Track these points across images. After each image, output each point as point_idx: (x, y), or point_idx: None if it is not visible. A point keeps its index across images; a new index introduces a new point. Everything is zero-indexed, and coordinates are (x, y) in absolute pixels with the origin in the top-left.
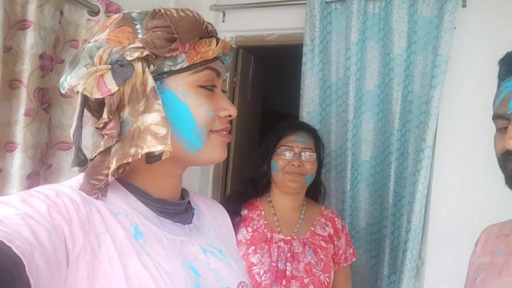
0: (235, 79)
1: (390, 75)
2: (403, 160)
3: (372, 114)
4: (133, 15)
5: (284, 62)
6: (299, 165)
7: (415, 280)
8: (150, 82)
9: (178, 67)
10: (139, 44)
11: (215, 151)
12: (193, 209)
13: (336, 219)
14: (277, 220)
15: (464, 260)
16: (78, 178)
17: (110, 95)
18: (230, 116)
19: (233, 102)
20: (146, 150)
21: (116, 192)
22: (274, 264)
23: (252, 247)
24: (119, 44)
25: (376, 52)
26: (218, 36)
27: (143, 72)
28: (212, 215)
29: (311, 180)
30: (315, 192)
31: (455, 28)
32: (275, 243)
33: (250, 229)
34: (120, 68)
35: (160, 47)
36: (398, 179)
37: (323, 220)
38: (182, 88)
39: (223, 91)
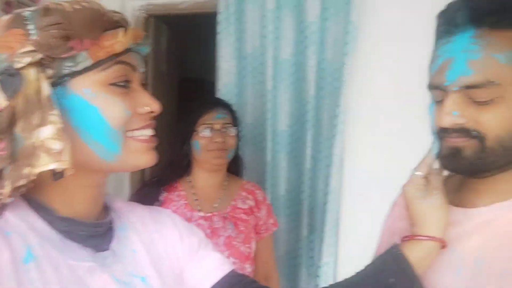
0: None
1: (305, 42)
2: (319, 126)
3: (288, 84)
4: (25, 14)
5: (200, 29)
6: (223, 141)
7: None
8: (45, 90)
9: (80, 66)
10: (30, 48)
11: (135, 155)
12: (114, 231)
13: (257, 191)
14: (196, 199)
15: (378, 220)
16: None
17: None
18: (152, 112)
19: (146, 75)
20: (37, 170)
21: (15, 209)
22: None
23: None
24: (9, 50)
25: (291, 20)
26: (127, 20)
27: (38, 79)
28: (149, 231)
29: (233, 155)
30: (235, 166)
31: None
32: (194, 221)
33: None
34: (9, 78)
35: (54, 47)
36: (314, 144)
37: (244, 193)
38: (91, 89)
39: (144, 84)
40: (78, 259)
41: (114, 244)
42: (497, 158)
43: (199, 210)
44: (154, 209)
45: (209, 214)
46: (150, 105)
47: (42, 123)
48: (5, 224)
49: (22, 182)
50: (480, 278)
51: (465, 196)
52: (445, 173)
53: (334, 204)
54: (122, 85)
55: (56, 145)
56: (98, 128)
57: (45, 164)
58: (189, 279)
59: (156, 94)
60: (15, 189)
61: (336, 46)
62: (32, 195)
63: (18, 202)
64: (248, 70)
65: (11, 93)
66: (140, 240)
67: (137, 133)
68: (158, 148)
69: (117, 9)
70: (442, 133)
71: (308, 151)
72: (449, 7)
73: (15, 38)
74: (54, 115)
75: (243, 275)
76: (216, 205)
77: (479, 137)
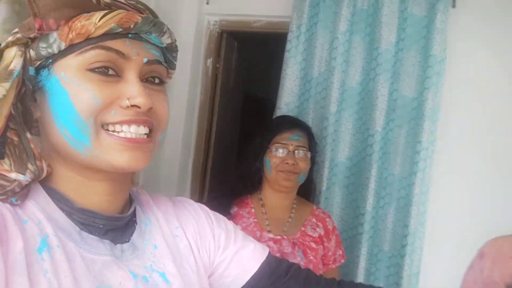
0: (218, 65)
1: (376, 70)
2: (385, 160)
3: (352, 112)
4: None
5: (267, 49)
6: (293, 164)
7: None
8: (12, 65)
9: (55, 49)
10: (16, 29)
11: (110, 152)
12: (136, 224)
13: (327, 219)
14: (267, 219)
15: (462, 266)
16: None
17: None
18: (137, 107)
19: (215, 88)
20: None
21: (35, 197)
22: None
23: None
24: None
25: (361, 48)
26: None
27: (14, 56)
28: (172, 228)
29: (304, 179)
30: (306, 190)
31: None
32: (264, 242)
33: (239, 227)
34: None
35: (25, 27)
36: (381, 180)
37: (314, 220)
38: (65, 73)
39: (160, 81)
40: (95, 252)
41: (135, 238)
42: None
43: (269, 231)
44: (178, 204)
45: (278, 237)
46: (135, 98)
47: None
48: (23, 212)
49: None
50: None
51: None
52: None
53: (414, 247)
54: (101, 72)
55: None
56: (66, 114)
57: None
58: (225, 275)
59: (223, 109)
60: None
61: (411, 78)
62: (52, 185)
63: (38, 191)
64: (312, 93)
65: None
66: (163, 236)
67: (117, 127)
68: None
69: (194, 23)
70: None
71: (371, 188)
72: None
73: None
74: (2, 87)
75: (280, 259)
76: (286, 228)
77: None
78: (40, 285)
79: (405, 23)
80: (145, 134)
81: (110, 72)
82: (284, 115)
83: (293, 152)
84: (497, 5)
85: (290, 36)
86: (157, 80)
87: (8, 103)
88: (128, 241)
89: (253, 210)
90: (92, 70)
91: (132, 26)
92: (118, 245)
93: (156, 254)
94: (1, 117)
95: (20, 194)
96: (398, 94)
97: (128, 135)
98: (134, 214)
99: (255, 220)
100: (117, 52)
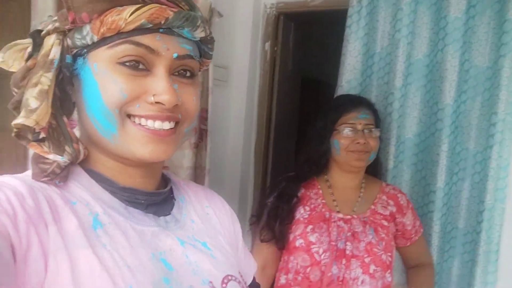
0: (275, 48)
1: (445, 40)
2: (458, 134)
3: (419, 86)
4: None
5: (324, 28)
6: (365, 143)
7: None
8: (52, 53)
9: (88, 40)
10: (56, 18)
11: (134, 143)
12: (174, 200)
13: (399, 195)
14: (335, 200)
15: None
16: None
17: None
18: (161, 103)
19: (273, 73)
20: (13, 123)
21: (78, 180)
22: (333, 243)
23: (310, 226)
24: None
25: (428, 18)
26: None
27: (53, 45)
28: (203, 206)
29: (374, 157)
30: (374, 168)
31: None
32: (334, 222)
33: (307, 208)
34: (35, 43)
35: (62, 18)
36: (453, 155)
37: (384, 197)
38: (97, 64)
39: (189, 71)
40: (143, 224)
41: (175, 211)
42: None
43: (338, 212)
44: (207, 189)
45: (348, 217)
46: (160, 95)
47: (38, 82)
48: (70, 194)
49: (14, 133)
50: None
51: None
52: None
53: (491, 223)
54: (131, 66)
55: (33, 103)
56: (95, 104)
57: (18, 118)
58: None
59: (282, 93)
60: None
61: (487, 46)
62: (91, 167)
63: (80, 174)
64: (374, 69)
65: (29, 54)
66: (196, 213)
67: (142, 120)
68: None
69: (250, 7)
70: None
71: (442, 165)
72: None
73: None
74: (46, 77)
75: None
76: (355, 208)
77: None
78: (103, 256)
79: None
80: (170, 128)
81: (140, 66)
82: (346, 94)
83: (362, 131)
84: None
85: (350, 12)
86: (188, 74)
87: (52, 91)
88: (169, 214)
89: (320, 191)
90: (122, 63)
91: (163, 22)
92: (162, 217)
93: (194, 227)
94: (48, 105)
95: (60, 175)
96: (470, 64)
97: (151, 128)
98: (171, 191)
99: (323, 201)
100: (147, 47)
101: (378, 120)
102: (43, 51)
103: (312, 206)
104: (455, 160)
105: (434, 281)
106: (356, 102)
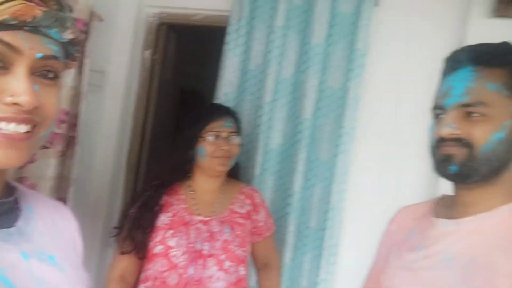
0: (155, 57)
1: (308, 63)
2: (314, 145)
3: (285, 102)
4: None
5: (206, 42)
6: (228, 149)
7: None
8: None
9: None
10: None
11: None
12: (20, 210)
13: (255, 194)
14: (196, 203)
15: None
16: None
17: None
18: (19, 105)
19: (151, 80)
20: None
21: None
22: (191, 245)
23: (171, 231)
24: None
25: (295, 42)
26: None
27: None
28: (52, 218)
29: (235, 162)
30: (234, 171)
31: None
32: (193, 225)
33: (169, 214)
34: None
35: None
36: (308, 164)
37: (242, 197)
38: None
39: (54, 76)
40: None
41: (20, 223)
42: (480, 166)
43: (198, 214)
44: (56, 201)
45: (208, 218)
46: (19, 96)
47: None
48: None
49: None
50: (468, 274)
51: (456, 210)
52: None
53: (334, 221)
54: None
55: None
56: None
57: None
58: None
59: (159, 102)
60: None
61: (339, 71)
62: None
63: None
64: (248, 85)
65: None
66: (45, 225)
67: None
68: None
69: (133, 14)
70: (439, 142)
71: (299, 171)
72: (455, 52)
73: None
74: None
75: None
76: (214, 209)
77: (469, 146)
78: None
79: (334, 20)
80: (26, 132)
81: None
82: (211, 104)
83: (226, 138)
84: (418, 5)
85: (229, 29)
86: (51, 75)
87: None
88: (13, 226)
89: (183, 197)
90: None
91: (29, 20)
92: (5, 230)
93: (42, 240)
94: None
95: None
96: (326, 85)
97: (5, 132)
98: (16, 201)
99: (185, 206)
100: (7, 44)
101: (239, 128)
102: None
103: (174, 211)
104: (309, 167)
105: (281, 282)
106: (223, 112)
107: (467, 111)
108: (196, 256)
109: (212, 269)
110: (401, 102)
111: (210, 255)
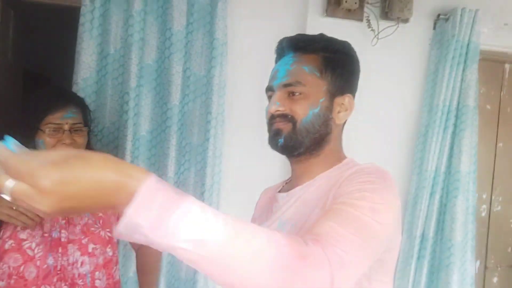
0: None
1: (170, 49)
2: (183, 130)
3: (150, 88)
4: None
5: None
6: (71, 142)
7: None
8: None
9: None
10: None
11: None
12: None
13: None
14: None
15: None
16: None
17: None
18: None
19: None
20: None
21: None
22: (46, 234)
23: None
24: None
25: (156, 28)
26: None
27: None
28: None
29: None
30: None
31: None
32: None
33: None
34: None
35: None
36: (179, 149)
37: None
38: None
39: None
40: None
41: None
42: (303, 139)
43: None
44: None
45: None
46: None
47: None
48: None
49: None
50: None
51: (291, 183)
52: None
53: (210, 201)
54: None
55: None
56: None
57: None
58: None
59: (1, 84)
60: None
61: (203, 58)
62: None
63: None
64: (109, 69)
65: None
66: None
67: None
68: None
69: None
70: (271, 119)
71: (172, 157)
72: (280, 41)
73: None
74: None
75: None
76: None
77: (293, 121)
78: None
79: (192, 8)
80: None
81: None
82: (51, 87)
83: (69, 130)
84: (264, 4)
85: (83, 10)
86: None
87: None
88: None
89: None
90: None
91: None
92: None
93: None
94: None
95: None
96: (191, 72)
97: None
98: None
99: None
100: None
101: (86, 115)
102: None
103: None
104: (182, 152)
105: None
106: (64, 100)
107: (289, 90)
108: (54, 244)
109: (74, 255)
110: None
111: (70, 241)
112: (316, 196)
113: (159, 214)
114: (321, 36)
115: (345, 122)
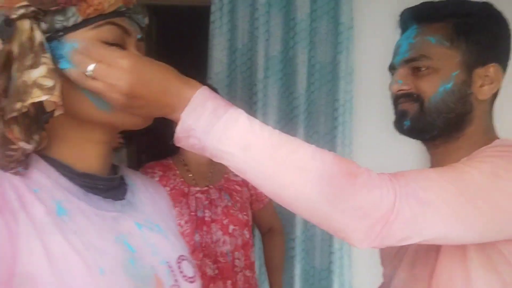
0: None
1: (295, 39)
2: (310, 119)
3: (277, 79)
4: None
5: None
6: None
7: None
8: (38, 37)
9: (71, 22)
10: (25, 2)
11: (125, 114)
12: (127, 185)
13: None
14: (191, 176)
15: None
16: None
17: None
18: None
19: None
20: (30, 101)
21: (37, 167)
22: (193, 213)
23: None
24: (10, 6)
25: (280, 19)
26: None
27: (31, 29)
28: (149, 191)
29: None
30: None
31: None
32: (192, 195)
33: (168, 188)
34: (6, 27)
35: (46, 2)
36: (307, 138)
37: None
38: (79, 44)
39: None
40: (103, 209)
41: (129, 196)
42: (433, 120)
43: (195, 185)
44: (147, 176)
45: (205, 188)
46: None
47: (34, 64)
48: (31, 181)
49: (11, 114)
50: None
51: None
52: None
53: None
54: (113, 45)
55: (48, 82)
56: None
57: (37, 97)
58: None
59: None
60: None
61: (327, 45)
62: (49, 155)
63: (38, 161)
64: (238, 63)
65: (6, 39)
66: (146, 198)
67: None
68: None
69: None
70: (396, 100)
71: None
72: (401, 13)
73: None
74: (46, 58)
75: None
76: (210, 179)
77: (419, 100)
78: (73, 241)
79: None
80: None
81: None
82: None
83: None
84: None
85: (213, 8)
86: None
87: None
88: (124, 199)
89: (177, 172)
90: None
91: (131, 7)
92: (118, 202)
93: (147, 210)
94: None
95: (23, 163)
96: (316, 60)
97: None
98: (122, 177)
99: (182, 179)
100: (123, 28)
101: None
102: (23, 35)
103: (171, 185)
104: (309, 141)
105: (284, 244)
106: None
107: (413, 66)
108: (199, 223)
109: (217, 233)
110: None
111: (213, 221)
112: None
113: (209, 118)
114: (449, 0)
115: (494, 97)
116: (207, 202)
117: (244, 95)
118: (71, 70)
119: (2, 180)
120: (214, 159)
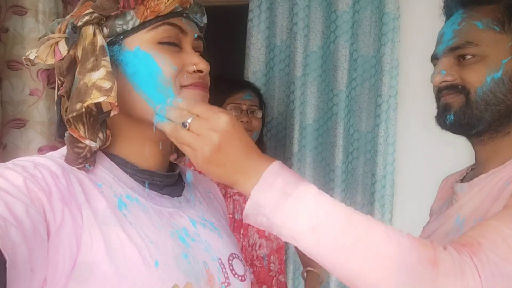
0: None
1: (336, 32)
2: (351, 117)
3: (315, 76)
4: None
5: (225, 26)
6: (247, 121)
7: None
8: (99, 41)
9: (130, 25)
10: (89, 10)
11: None
12: (184, 182)
13: None
14: None
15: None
16: (61, 150)
17: (61, 59)
18: (200, 71)
19: None
20: (89, 102)
21: (101, 163)
22: (231, 216)
23: None
24: (77, 15)
25: (320, 12)
26: None
27: (94, 34)
28: (205, 189)
29: (257, 137)
30: (258, 147)
31: None
32: (229, 197)
33: None
34: (72, 34)
35: (107, 7)
36: (348, 136)
37: None
38: (140, 46)
39: (199, 52)
40: (160, 204)
41: (185, 193)
42: (481, 113)
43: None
44: (201, 175)
45: None
46: (198, 64)
47: (95, 67)
48: (95, 177)
49: (71, 114)
50: None
51: (475, 170)
52: None
53: (382, 192)
54: (170, 44)
55: (106, 84)
56: (147, 81)
57: (96, 98)
58: None
59: None
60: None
61: (371, 37)
62: (113, 152)
63: (103, 158)
64: (276, 61)
65: (71, 45)
66: (201, 196)
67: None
68: None
69: None
70: (439, 93)
71: (339, 145)
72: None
73: (85, 8)
74: (105, 61)
75: None
76: None
77: (464, 92)
78: (131, 233)
79: None
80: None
81: (175, 44)
82: (231, 75)
83: (247, 111)
84: None
85: (251, 6)
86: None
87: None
88: (181, 196)
89: None
90: (163, 43)
91: (188, 7)
92: (175, 198)
93: (202, 208)
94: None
95: (90, 160)
96: (358, 54)
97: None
98: (179, 174)
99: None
100: (179, 28)
101: (262, 103)
102: (86, 40)
103: None
104: (349, 140)
105: None
106: (243, 84)
107: (458, 54)
108: (237, 225)
109: (254, 237)
110: None
111: (250, 224)
112: (503, 186)
113: (278, 196)
114: None
115: None
116: (244, 204)
117: (281, 93)
118: (165, 123)
119: (69, 175)
120: (283, 238)
